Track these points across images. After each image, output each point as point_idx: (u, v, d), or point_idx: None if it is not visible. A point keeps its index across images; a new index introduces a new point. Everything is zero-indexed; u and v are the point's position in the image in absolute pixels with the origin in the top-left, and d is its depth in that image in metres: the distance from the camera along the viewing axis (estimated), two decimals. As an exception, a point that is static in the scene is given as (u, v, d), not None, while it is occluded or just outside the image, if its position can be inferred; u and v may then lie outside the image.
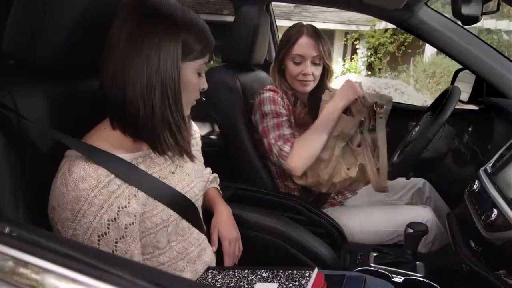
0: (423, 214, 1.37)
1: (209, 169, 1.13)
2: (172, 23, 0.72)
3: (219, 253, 0.99)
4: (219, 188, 1.13)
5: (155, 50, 0.70)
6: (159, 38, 0.70)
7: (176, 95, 0.73)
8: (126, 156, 0.74)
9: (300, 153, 1.27)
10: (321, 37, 1.39)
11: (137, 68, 0.69)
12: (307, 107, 1.45)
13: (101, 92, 0.73)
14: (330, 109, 1.28)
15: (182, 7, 0.75)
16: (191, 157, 0.84)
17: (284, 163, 1.29)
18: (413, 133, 1.46)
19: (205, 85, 0.82)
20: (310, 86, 1.41)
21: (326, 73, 1.45)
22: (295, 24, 1.43)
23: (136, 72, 0.69)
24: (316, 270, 0.83)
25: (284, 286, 0.79)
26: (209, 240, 0.98)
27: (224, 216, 1.03)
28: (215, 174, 1.15)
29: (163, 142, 0.74)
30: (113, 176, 0.69)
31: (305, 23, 1.44)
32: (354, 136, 1.31)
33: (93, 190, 0.66)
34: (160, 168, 0.81)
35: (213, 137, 2.14)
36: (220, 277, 0.87)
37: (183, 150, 0.79)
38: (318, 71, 1.40)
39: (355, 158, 1.31)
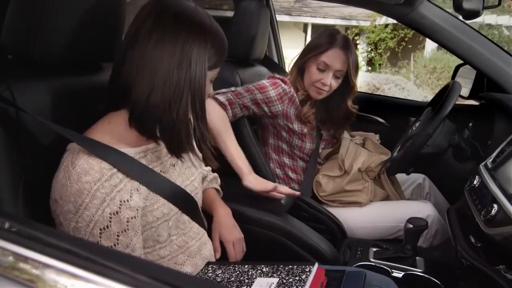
0: (424, 209, 1.37)
1: (209, 168, 1.13)
2: (202, 31, 0.71)
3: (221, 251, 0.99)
4: (219, 189, 1.11)
5: (187, 56, 0.69)
6: (190, 44, 0.69)
7: (203, 102, 0.73)
8: (129, 151, 0.74)
9: None
10: (352, 51, 1.39)
11: (168, 73, 0.69)
12: (314, 107, 1.44)
13: (106, 87, 0.73)
14: None
15: (208, 16, 0.74)
16: (206, 163, 0.85)
17: None
18: (414, 128, 1.46)
19: (212, 92, 0.83)
20: (323, 95, 1.43)
21: (350, 89, 1.45)
22: (330, 31, 1.43)
23: (166, 76, 0.69)
24: (316, 265, 0.83)
25: (285, 281, 0.79)
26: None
27: (224, 220, 1.02)
28: (215, 174, 1.13)
29: (182, 146, 0.74)
30: (115, 169, 0.69)
31: (341, 33, 1.43)
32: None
33: (95, 183, 0.66)
34: (162, 162, 0.81)
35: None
36: (220, 272, 0.87)
37: (198, 155, 0.80)
38: (336, 83, 1.41)
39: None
